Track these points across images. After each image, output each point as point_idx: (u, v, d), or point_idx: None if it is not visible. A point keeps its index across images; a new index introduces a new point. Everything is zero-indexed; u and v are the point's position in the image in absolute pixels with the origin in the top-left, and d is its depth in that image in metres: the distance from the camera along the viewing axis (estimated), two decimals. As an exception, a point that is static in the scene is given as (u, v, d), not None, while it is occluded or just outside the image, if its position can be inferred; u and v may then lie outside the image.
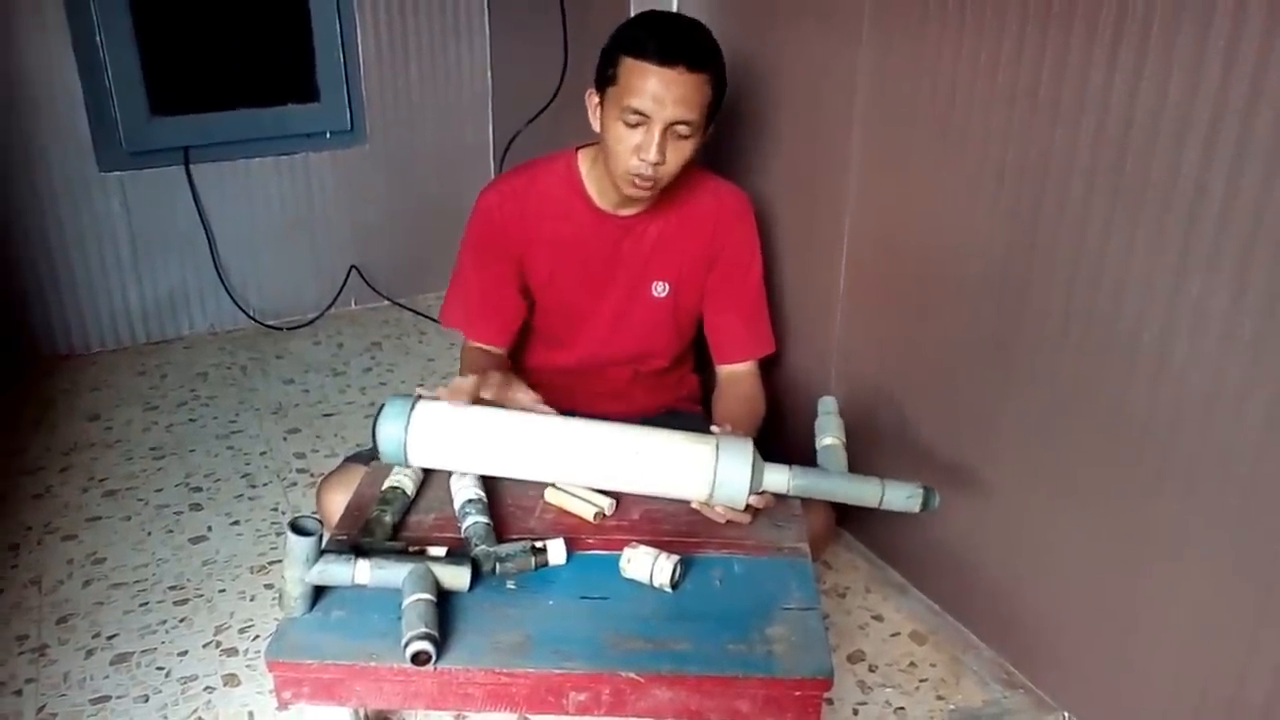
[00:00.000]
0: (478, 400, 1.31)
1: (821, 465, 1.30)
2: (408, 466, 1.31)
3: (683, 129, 1.42)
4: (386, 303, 3.16)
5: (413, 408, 1.27)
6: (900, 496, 1.22)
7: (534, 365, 1.70)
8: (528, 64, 2.78)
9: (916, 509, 1.22)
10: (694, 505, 1.30)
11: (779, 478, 1.24)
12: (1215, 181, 1.16)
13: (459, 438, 1.28)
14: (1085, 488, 1.42)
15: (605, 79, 1.44)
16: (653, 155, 1.41)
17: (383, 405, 1.28)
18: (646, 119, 1.40)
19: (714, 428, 1.36)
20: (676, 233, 1.61)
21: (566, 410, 1.38)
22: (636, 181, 1.45)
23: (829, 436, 1.33)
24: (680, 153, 1.44)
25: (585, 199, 1.58)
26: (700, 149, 1.48)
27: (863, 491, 1.24)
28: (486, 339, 1.62)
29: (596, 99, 1.48)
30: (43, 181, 2.62)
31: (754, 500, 1.26)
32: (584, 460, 1.27)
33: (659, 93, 1.38)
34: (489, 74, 3.09)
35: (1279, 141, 1.09)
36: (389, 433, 1.26)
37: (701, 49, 1.42)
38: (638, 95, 1.39)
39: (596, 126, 1.49)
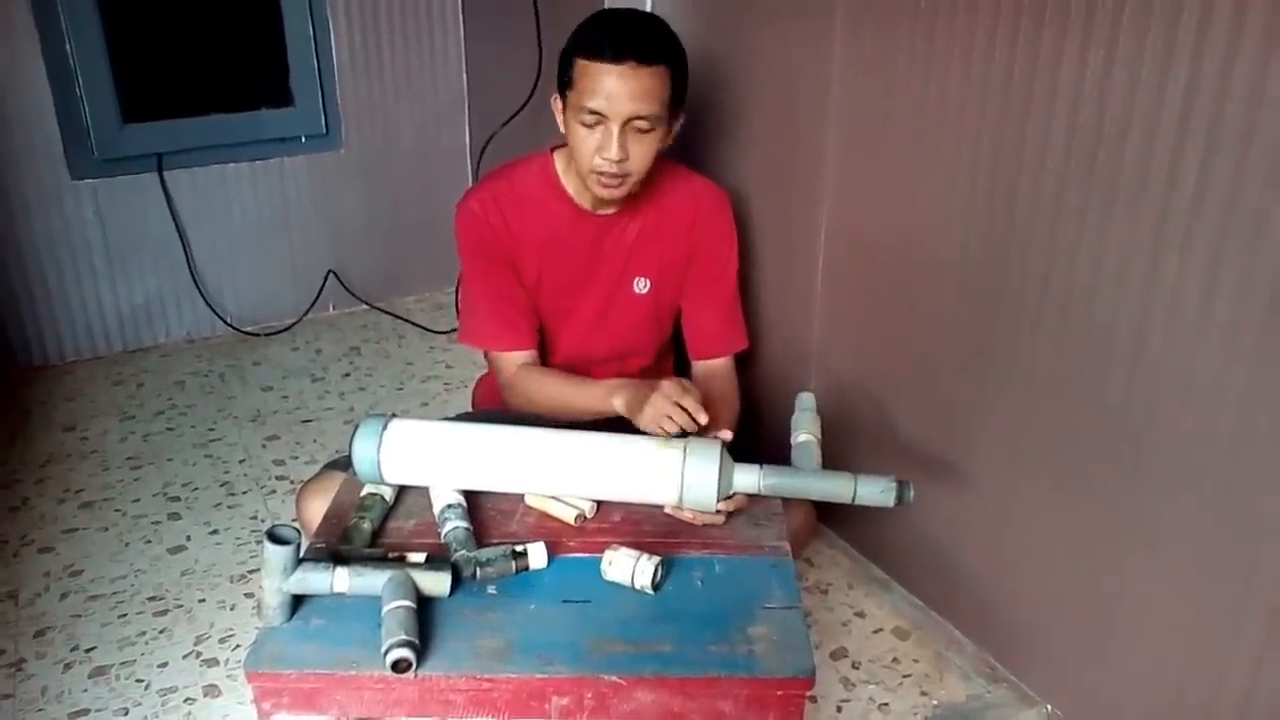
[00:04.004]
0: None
1: (795, 462, 1.29)
2: (384, 484, 1.31)
3: (641, 124, 1.41)
4: (365, 307, 3.14)
5: (385, 427, 1.27)
6: (874, 491, 1.21)
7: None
8: (503, 65, 2.77)
9: (891, 503, 1.20)
10: (667, 510, 1.29)
11: (749, 478, 1.23)
12: (1187, 170, 1.17)
13: (432, 455, 1.27)
14: (1065, 480, 1.42)
15: (564, 82, 1.45)
16: (614, 153, 1.41)
17: (356, 425, 1.27)
18: (603, 118, 1.40)
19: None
20: (656, 229, 1.61)
21: None
22: (603, 180, 1.45)
23: (804, 433, 1.32)
24: (644, 146, 1.44)
25: (564, 199, 1.58)
26: (668, 141, 1.48)
27: (835, 488, 1.22)
28: (515, 345, 1.59)
29: (560, 103, 1.48)
30: (14, 190, 2.58)
31: (723, 505, 1.25)
32: (554, 471, 1.27)
33: (612, 90, 1.38)
34: (464, 76, 3.07)
35: (1249, 129, 1.10)
36: (363, 453, 1.25)
37: (652, 42, 1.41)
38: (591, 95, 1.39)
39: (563, 129, 1.49)
